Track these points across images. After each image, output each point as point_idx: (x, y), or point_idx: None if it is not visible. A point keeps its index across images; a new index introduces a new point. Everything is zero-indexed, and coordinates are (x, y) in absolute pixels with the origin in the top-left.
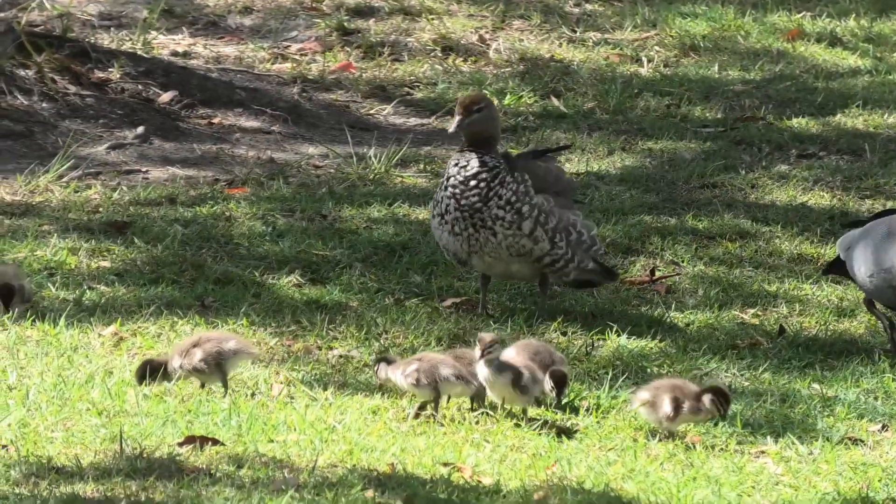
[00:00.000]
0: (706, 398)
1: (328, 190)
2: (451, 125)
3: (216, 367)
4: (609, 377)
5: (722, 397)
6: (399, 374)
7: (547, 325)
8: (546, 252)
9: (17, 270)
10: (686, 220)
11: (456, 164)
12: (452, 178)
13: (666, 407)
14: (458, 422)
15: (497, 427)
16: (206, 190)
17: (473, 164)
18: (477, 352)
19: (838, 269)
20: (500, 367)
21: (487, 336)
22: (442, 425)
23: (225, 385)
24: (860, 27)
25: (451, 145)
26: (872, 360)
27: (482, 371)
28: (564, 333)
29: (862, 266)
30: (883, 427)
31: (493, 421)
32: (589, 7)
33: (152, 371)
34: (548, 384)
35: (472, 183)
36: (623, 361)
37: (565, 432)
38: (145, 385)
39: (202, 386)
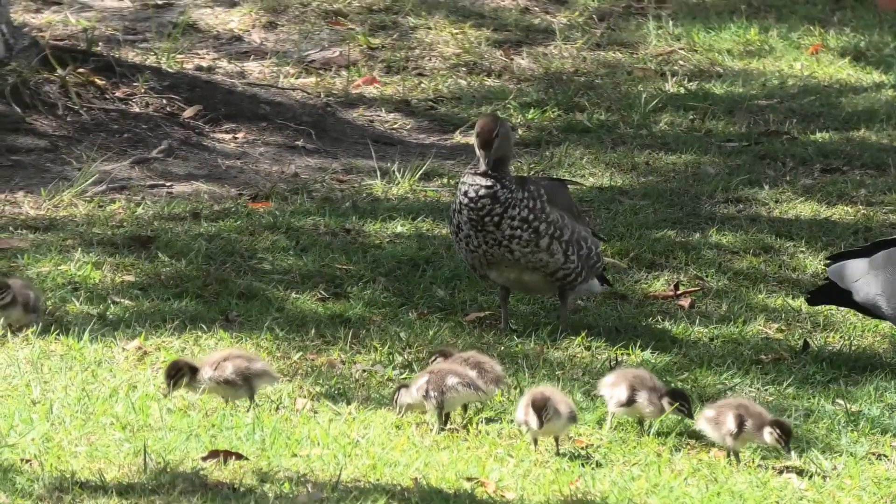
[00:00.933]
0: (766, 430)
1: (352, 204)
2: (480, 165)
3: (245, 381)
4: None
5: (783, 431)
6: (413, 391)
7: (571, 339)
8: (560, 266)
9: (25, 282)
10: (710, 234)
11: (465, 194)
12: (464, 203)
13: (730, 424)
14: (482, 436)
15: (521, 442)
16: (230, 204)
17: (483, 194)
18: (534, 421)
19: (832, 298)
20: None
21: (538, 399)
22: (466, 440)
23: (251, 399)
24: (884, 42)
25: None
26: (891, 375)
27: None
28: (588, 348)
29: (888, 295)
30: None
31: (516, 435)
32: (613, 23)
33: (181, 371)
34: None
35: (484, 214)
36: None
37: (589, 447)
38: (172, 385)
39: (226, 401)
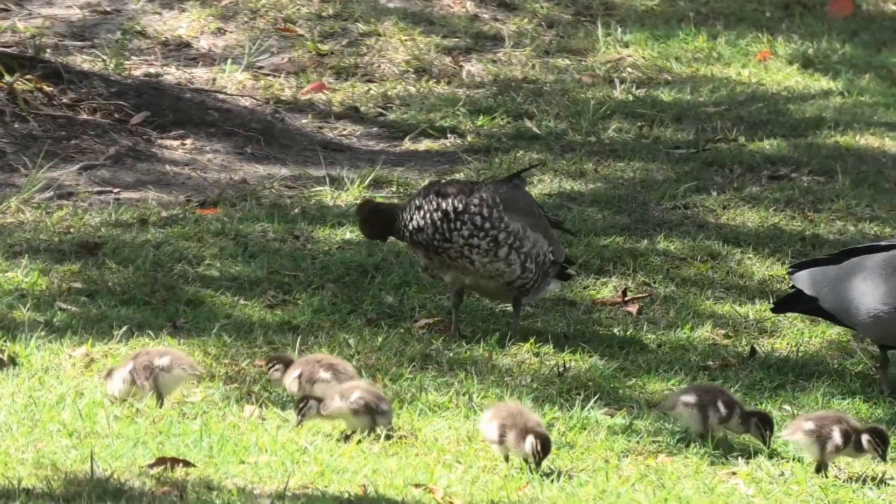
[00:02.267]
0: (864, 438)
1: (300, 211)
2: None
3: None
4: (581, 398)
5: (880, 438)
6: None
7: (520, 345)
8: (517, 276)
9: None
10: (658, 241)
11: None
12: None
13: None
14: (431, 443)
15: (469, 448)
16: (178, 211)
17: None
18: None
19: (799, 306)
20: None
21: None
22: (414, 447)
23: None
24: (832, 49)
25: (423, 167)
26: (843, 382)
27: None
28: (537, 354)
29: (860, 302)
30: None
31: (465, 441)
32: (562, 30)
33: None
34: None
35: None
36: (595, 382)
37: None
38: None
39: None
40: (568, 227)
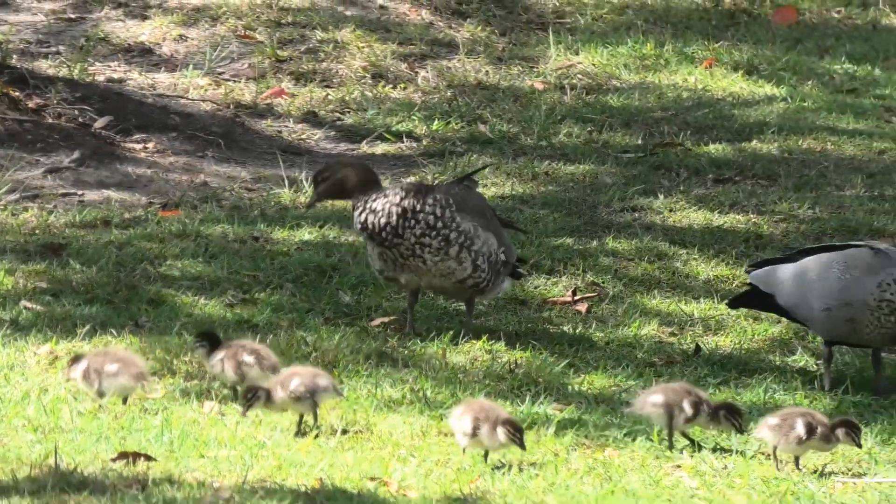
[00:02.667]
0: (840, 431)
1: (260, 212)
2: (307, 201)
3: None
4: (532, 394)
5: (854, 430)
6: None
7: (472, 343)
8: (469, 275)
9: None
10: (606, 242)
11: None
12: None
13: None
14: (385, 437)
15: (423, 442)
16: (141, 212)
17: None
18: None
19: (755, 303)
20: None
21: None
22: (369, 441)
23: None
24: (776, 56)
25: (380, 170)
26: (785, 378)
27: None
28: (489, 352)
29: (814, 299)
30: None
31: (419, 436)
32: (514, 37)
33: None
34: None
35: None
36: (545, 379)
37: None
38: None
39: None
40: (520, 227)
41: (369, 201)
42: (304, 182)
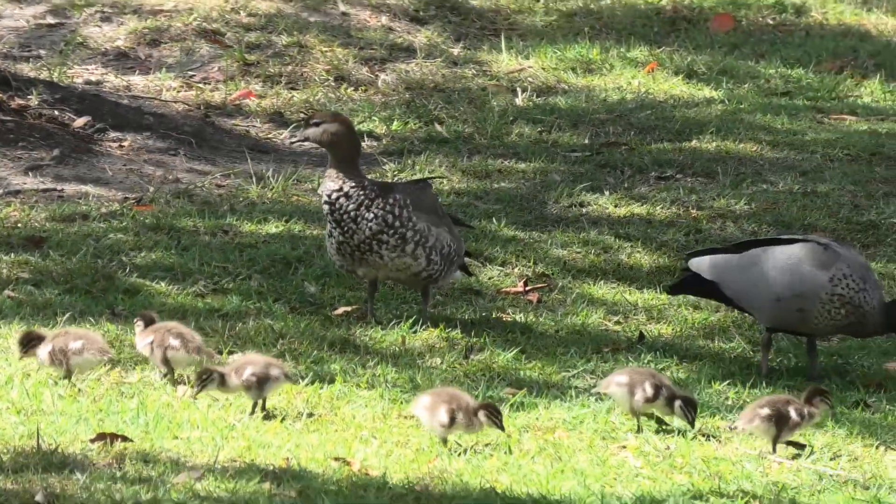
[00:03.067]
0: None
1: (229, 207)
2: (297, 135)
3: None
4: (486, 378)
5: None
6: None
7: (430, 331)
8: (423, 268)
9: None
10: (556, 235)
11: (321, 198)
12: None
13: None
14: (349, 420)
15: (384, 425)
16: (117, 207)
17: (335, 194)
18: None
19: (694, 289)
20: None
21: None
22: (333, 423)
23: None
24: (714, 61)
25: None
26: (723, 364)
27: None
28: (446, 339)
29: (765, 289)
30: (732, 426)
31: (380, 419)
32: (469, 42)
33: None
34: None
35: (343, 212)
36: (499, 364)
37: None
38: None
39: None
40: (468, 223)
41: (347, 181)
42: (272, 178)
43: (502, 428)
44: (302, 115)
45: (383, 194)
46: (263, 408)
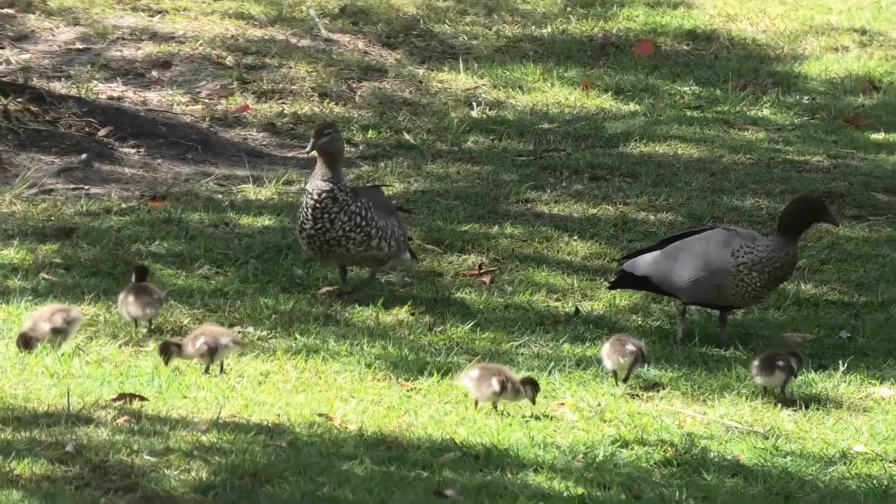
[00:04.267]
0: (527, 388)
1: (229, 203)
2: (308, 146)
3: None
4: (447, 347)
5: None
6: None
7: (399, 307)
8: (385, 254)
9: None
10: (505, 227)
11: (310, 195)
12: (309, 203)
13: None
14: (331, 382)
15: (361, 386)
16: (135, 203)
17: (325, 195)
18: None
19: (629, 285)
20: None
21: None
22: (317, 385)
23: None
24: (638, 80)
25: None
26: (645, 335)
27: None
28: (413, 314)
29: (685, 273)
30: (654, 385)
31: (357, 381)
32: (432, 64)
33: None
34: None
35: (324, 211)
36: (458, 335)
37: (412, 390)
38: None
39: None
40: (410, 208)
41: (336, 185)
42: (266, 179)
43: (534, 402)
44: (292, 126)
45: (354, 199)
46: (222, 370)
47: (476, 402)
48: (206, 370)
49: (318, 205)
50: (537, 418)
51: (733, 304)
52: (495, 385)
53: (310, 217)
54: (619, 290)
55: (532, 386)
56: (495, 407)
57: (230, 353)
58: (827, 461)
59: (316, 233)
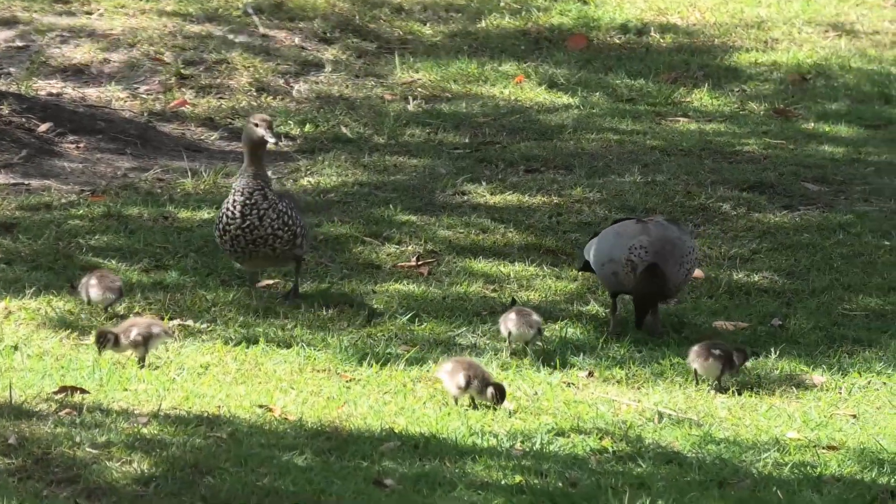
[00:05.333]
0: (489, 391)
1: (168, 197)
2: (270, 137)
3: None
4: (385, 338)
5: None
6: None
7: (340, 298)
8: (303, 252)
9: None
10: (443, 219)
11: (241, 192)
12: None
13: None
14: (271, 373)
15: (300, 377)
16: (75, 198)
17: (256, 192)
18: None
19: (587, 269)
20: None
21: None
22: (258, 376)
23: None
24: (571, 74)
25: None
26: (581, 323)
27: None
28: (351, 305)
29: (596, 259)
30: (588, 374)
31: (297, 372)
32: (368, 58)
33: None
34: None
35: (253, 207)
36: (396, 326)
37: (353, 381)
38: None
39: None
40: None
41: (269, 184)
42: (203, 173)
43: (496, 406)
44: (229, 121)
45: (280, 198)
46: (144, 361)
47: (455, 399)
48: (141, 361)
49: (247, 202)
50: (475, 407)
51: (631, 292)
52: (460, 380)
53: (238, 215)
54: (584, 272)
55: (497, 390)
56: (474, 403)
57: (160, 343)
58: (760, 448)
59: (243, 232)
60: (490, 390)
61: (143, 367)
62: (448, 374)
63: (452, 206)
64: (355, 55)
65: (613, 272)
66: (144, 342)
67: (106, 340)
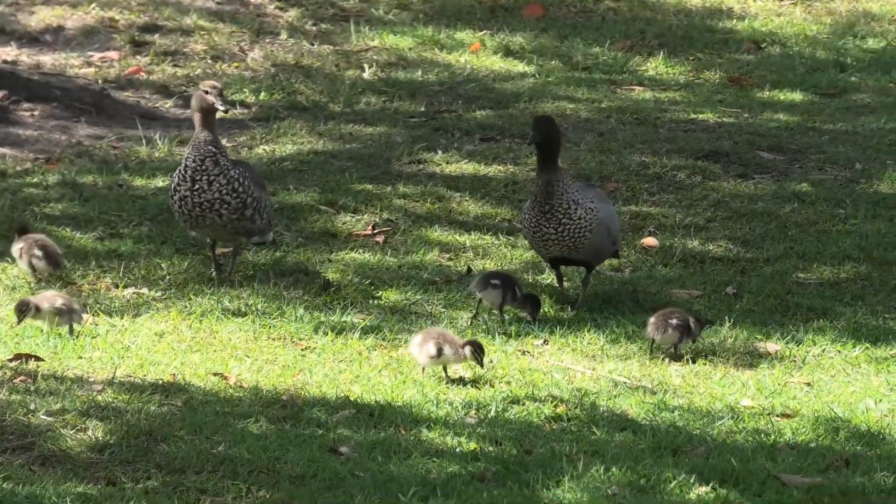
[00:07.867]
0: (467, 349)
1: (123, 165)
2: (221, 104)
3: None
4: (341, 306)
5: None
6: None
7: (298, 266)
8: (256, 227)
9: None
10: (399, 188)
11: (195, 157)
12: (189, 164)
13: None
14: (226, 341)
15: (255, 346)
16: (29, 166)
17: (208, 158)
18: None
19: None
20: None
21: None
22: (212, 345)
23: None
24: (527, 42)
25: (219, 132)
26: (536, 291)
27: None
28: (307, 273)
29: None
30: (544, 342)
31: (252, 340)
32: (324, 26)
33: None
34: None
35: (204, 171)
36: (351, 295)
37: (307, 349)
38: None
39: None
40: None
41: (222, 151)
42: (158, 141)
43: (482, 365)
44: (184, 89)
45: (234, 165)
46: (71, 331)
47: (423, 369)
48: (71, 330)
49: (199, 167)
50: (430, 376)
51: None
52: (431, 349)
53: (188, 178)
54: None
55: (474, 346)
56: (445, 371)
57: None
58: (714, 415)
59: (191, 194)
60: (468, 349)
61: (71, 333)
62: (418, 346)
63: (408, 174)
64: (311, 22)
65: (527, 237)
66: (70, 312)
67: (27, 310)
